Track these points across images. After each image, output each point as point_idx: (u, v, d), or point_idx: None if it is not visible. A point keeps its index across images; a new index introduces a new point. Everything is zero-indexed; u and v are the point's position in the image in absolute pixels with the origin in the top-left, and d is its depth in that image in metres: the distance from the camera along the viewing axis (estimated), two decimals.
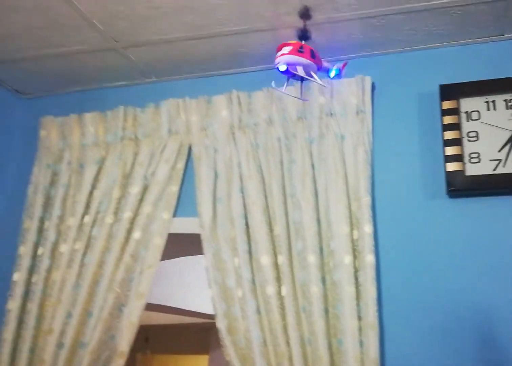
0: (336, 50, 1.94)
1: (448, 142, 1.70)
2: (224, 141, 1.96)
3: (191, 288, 3.35)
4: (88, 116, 2.15)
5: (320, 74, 1.25)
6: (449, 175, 1.67)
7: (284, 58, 1.07)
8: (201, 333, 4.73)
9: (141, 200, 1.97)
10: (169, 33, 1.86)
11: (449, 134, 1.71)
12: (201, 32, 1.85)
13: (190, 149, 2.02)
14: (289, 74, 1.11)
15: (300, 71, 1.09)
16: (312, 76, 1.12)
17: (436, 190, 1.72)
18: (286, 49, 1.10)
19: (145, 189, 1.98)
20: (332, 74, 1.16)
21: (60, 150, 2.16)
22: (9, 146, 2.29)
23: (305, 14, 1.21)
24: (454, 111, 1.73)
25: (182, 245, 2.18)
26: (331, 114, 1.85)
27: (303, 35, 1.16)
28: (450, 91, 1.75)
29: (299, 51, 1.10)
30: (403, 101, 1.86)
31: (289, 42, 1.13)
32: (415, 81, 1.87)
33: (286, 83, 1.15)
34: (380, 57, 1.94)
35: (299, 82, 1.25)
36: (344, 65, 1.19)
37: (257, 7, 1.70)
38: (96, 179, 2.05)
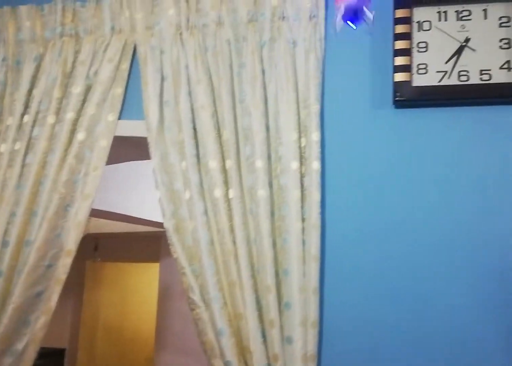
0: None
1: (398, 52, 1.72)
2: (171, 42, 1.89)
3: (141, 195, 3.35)
4: (24, 10, 2.03)
5: None
6: (397, 85, 1.70)
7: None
8: (151, 241, 4.81)
9: (84, 101, 1.92)
10: None
11: (400, 44, 1.72)
12: None
13: (135, 49, 1.95)
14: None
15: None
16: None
17: (384, 100, 1.76)
18: None
19: (88, 89, 1.92)
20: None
21: None
22: None
23: None
24: (407, 20, 1.73)
25: (131, 149, 2.15)
26: (284, 17, 1.81)
27: None
28: None
29: None
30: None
31: None
32: None
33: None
34: None
35: None
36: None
37: None
38: (35, 77, 1.97)
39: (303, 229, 1.68)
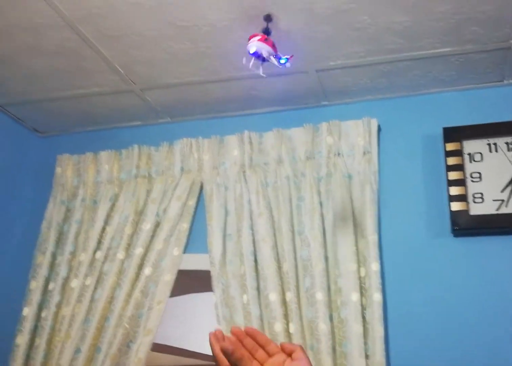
0: (343, 94, 2.03)
1: (452, 183, 1.75)
2: (235, 179, 2.01)
3: (194, 327, 3.30)
4: (104, 155, 2.22)
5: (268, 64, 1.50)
6: (454, 214, 1.71)
7: (255, 44, 1.46)
8: None
9: (152, 236, 2.00)
10: (185, 76, 1.95)
11: (453, 175, 1.76)
12: (216, 76, 1.94)
13: (201, 187, 2.07)
14: (255, 55, 1.47)
15: (265, 54, 1.46)
16: (270, 60, 1.49)
17: (441, 229, 1.76)
18: (256, 38, 1.48)
19: (157, 226, 2.02)
20: (282, 61, 1.50)
21: (74, 187, 2.21)
22: (24, 183, 2.36)
23: (268, 17, 1.59)
24: (458, 153, 1.78)
25: (187, 282, 2.18)
26: (339, 154, 1.91)
27: (267, 32, 1.55)
28: (453, 134, 1.82)
29: (266, 40, 1.48)
30: (408, 143, 1.92)
31: (257, 34, 1.50)
32: (419, 123, 1.94)
33: (260, 64, 1.50)
34: (386, 101, 2.02)
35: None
36: (291, 57, 1.51)
37: None
38: (109, 215, 2.09)
39: None
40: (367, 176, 1.84)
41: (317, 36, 1.69)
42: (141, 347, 1.84)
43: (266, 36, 1.47)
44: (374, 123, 1.93)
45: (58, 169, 2.26)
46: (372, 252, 1.71)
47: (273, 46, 1.46)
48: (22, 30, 1.72)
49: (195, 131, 2.16)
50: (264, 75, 1.49)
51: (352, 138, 1.93)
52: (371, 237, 1.74)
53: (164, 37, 1.73)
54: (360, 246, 1.75)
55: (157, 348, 3.37)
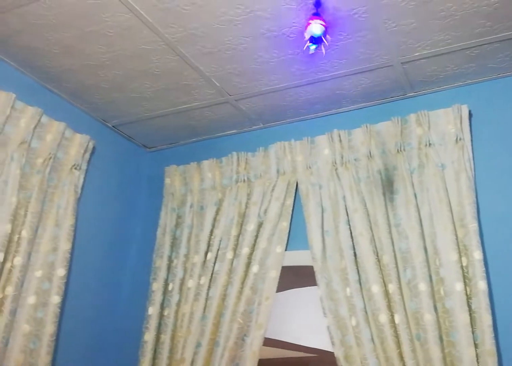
0: (430, 83, 2.01)
1: None
2: (328, 177, 2.07)
3: (297, 321, 3.37)
4: (206, 163, 2.39)
5: None
6: None
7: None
8: None
9: (256, 236, 2.12)
10: (275, 83, 2.05)
11: None
12: (304, 79, 2.01)
13: (297, 186, 2.16)
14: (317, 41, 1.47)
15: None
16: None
17: None
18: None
19: (259, 226, 2.13)
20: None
21: (183, 195, 2.40)
22: (138, 194, 2.59)
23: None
24: None
25: (290, 278, 2.27)
26: (430, 144, 1.90)
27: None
28: None
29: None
30: (502, 126, 1.86)
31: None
32: None
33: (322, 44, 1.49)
34: (475, 86, 1.97)
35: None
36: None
37: (353, 52, 1.84)
38: (215, 219, 2.24)
39: (477, 356, 1.58)
40: (462, 164, 1.81)
41: (401, 30, 1.71)
42: (254, 341, 1.96)
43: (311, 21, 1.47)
44: (464, 109, 1.89)
45: (167, 180, 2.46)
46: (473, 241, 1.69)
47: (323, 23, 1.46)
48: (130, 57, 1.92)
49: (287, 135, 2.25)
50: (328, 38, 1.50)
51: (442, 127, 1.91)
52: (471, 225, 1.72)
53: (254, 49, 1.84)
54: (460, 235, 1.74)
55: (264, 341, 3.50)
